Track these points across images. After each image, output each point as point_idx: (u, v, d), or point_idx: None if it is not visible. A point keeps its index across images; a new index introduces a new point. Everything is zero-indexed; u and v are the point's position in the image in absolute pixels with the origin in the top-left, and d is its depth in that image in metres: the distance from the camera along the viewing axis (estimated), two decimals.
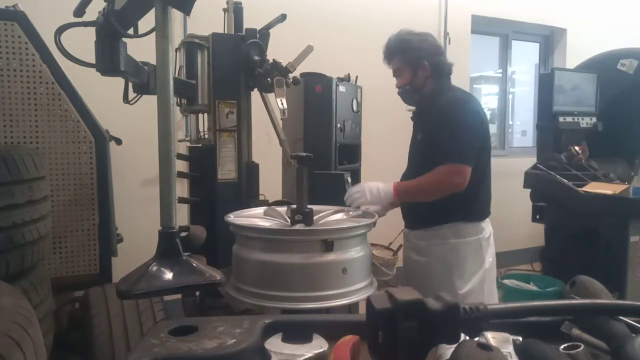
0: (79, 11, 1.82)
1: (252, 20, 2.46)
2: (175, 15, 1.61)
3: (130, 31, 1.89)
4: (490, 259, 2.14)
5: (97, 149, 2.29)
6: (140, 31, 1.90)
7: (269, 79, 2.27)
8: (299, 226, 1.80)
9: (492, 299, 2.17)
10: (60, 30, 1.83)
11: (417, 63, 2.12)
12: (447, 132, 2.00)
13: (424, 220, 2.13)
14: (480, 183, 2.08)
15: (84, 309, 2.02)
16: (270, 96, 2.52)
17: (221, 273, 1.73)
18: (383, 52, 2.20)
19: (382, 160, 2.51)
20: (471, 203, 2.07)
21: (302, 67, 2.39)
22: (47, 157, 2.16)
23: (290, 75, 2.30)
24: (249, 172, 2.39)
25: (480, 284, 2.08)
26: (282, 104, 2.19)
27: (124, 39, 1.86)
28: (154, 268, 1.59)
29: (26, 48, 2.11)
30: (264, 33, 2.36)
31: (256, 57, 2.26)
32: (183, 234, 2.21)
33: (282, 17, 2.30)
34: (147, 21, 1.69)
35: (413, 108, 2.32)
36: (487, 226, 2.16)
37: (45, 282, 1.92)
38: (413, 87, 2.15)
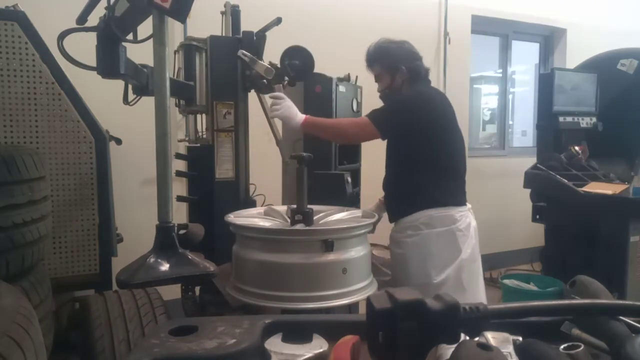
0: (82, 19, 1.86)
1: (253, 21, 2.47)
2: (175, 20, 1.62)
3: (130, 36, 1.91)
4: (469, 250, 2.16)
5: (97, 149, 2.29)
6: (140, 35, 1.91)
7: (265, 80, 2.28)
8: (299, 226, 1.81)
9: (476, 291, 2.20)
10: (63, 35, 1.85)
11: (395, 68, 2.27)
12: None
13: (398, 211, 2.25)
14: (444, 172, 2.20)
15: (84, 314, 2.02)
16: (268, 97, 2.53)
17: (215, 265, 1.75)
18: (365, 60, 2.36)
19: (382, 160, 2.50)
20: (436, 190, 2.16)
21: None
22: (47, 157, 2.15)
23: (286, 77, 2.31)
24: (247, 205, 2.40)
25: (456, 273, 2.12)
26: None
27: (123, 44, 1.88)
28: (152, 260, 1.62)
29: (26, 48, 2.11)
30: (261, 35, 2.38)
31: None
32: (182, 231, 2.22)
33: (278, 21, 2.32)
34: (147, 25, 1.70)
35: None
36: (462, 217, 2.18)
37: (45, 282, 1.92)
38: (392, 90, 2.29)
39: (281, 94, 2.18)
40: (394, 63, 2.27)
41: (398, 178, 2.27)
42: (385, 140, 2.30)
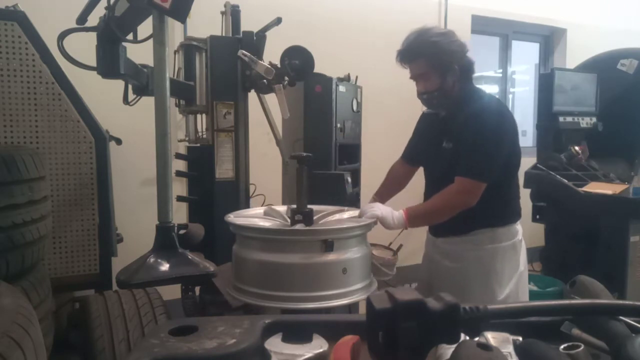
0: (82, 19, 1.86)
1: (253, 21, 2.47)
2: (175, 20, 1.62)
3: (130, 36, 1.91)
4: (523, 260, 2.12)
5: (97, 149, 2.29)
6: (140, 35, 1.92)
7: (265, 80, 2.28)
8: (299, 226, 1.80)
9: (526, 297, 2.16)
10: (63, 35, 1.85)
11: (447, 67, 1.95)
12: (472, 145, 1.92)
13: (454, 229, 2.05)
14: (511, 186, 2.07)
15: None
16: (267, 97, 2.53)
17: (215, 265, 1.75)
18: (401, 53, 2.01)
19: (382, 160, 2.51)
20: (504, 207, 2.05)
21: None
22: (47, 157, 2.16)
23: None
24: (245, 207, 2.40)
25: (515, 287, 2.05)
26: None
27: (123, 44, 1.88)
28: (152, 260, 1.62)
29: (26, 48, 2.11)
30: (261, 35, 2.38)
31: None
32: (182, 231, 2.22)
33: (278, 21, 2.32)
34: (147, 25, 1.70)
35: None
36: (520, 229, 2.13)
37: (45, 282, 1.92)
38: (442, 92, 1.99)
39: (372, 208, 1.95)
40: (447, 62, 1.94)
41: None
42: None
